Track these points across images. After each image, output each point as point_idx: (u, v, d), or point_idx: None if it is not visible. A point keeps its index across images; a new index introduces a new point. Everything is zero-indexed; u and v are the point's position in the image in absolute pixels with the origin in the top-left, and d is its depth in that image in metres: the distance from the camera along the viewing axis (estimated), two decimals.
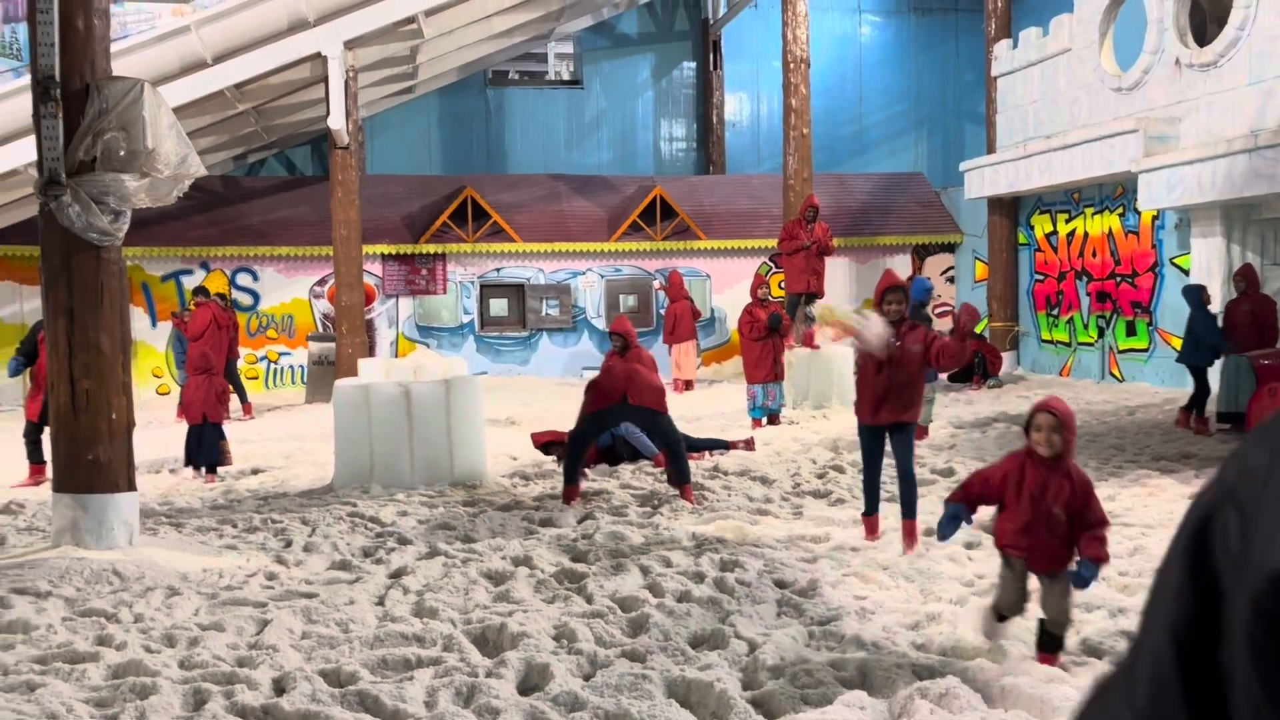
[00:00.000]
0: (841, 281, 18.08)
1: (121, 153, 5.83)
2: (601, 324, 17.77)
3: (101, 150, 5.78)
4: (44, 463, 8.76)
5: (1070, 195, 15.61)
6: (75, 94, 5.80)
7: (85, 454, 5.90)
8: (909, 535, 5.84)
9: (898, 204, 19.18)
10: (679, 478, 7.52)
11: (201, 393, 9.11)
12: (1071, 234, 15.76)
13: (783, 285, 13.70)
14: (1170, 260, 13.81)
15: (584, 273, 18.07)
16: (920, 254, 18.81)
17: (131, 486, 6.13)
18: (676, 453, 7.54)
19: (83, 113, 5.79)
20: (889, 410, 5.76)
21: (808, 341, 12.67)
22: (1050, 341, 16.46)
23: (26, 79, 13.40)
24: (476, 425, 8.66)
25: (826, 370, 12.47)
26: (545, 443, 9.40)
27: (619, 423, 8.11)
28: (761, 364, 11.20)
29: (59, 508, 5.97)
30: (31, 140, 12.57)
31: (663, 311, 16.94)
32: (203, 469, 9.17)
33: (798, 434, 10.68)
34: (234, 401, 13.32)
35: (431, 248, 17.51)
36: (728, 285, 17.97)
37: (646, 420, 7.69)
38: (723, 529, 6.47)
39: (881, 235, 18.57)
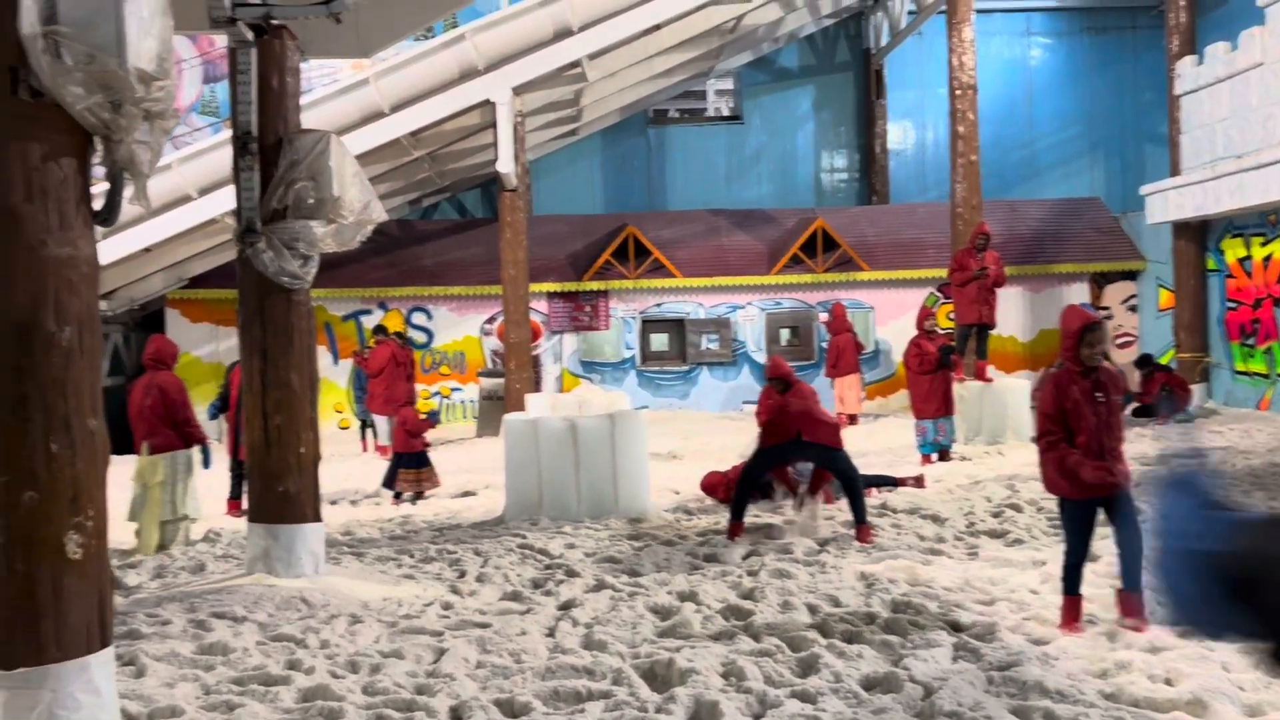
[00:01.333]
0: (1015, 312, 17.46)
1: (310, 201, 6.18)
2: (762, 358, 17.67)
3: (293, 199, 6.14)
4: (241, 498, 9.34)
5: (1265, 217, 14.63)
6: (270, 147, 6.20)
7: (276, 486, 6.24)
8: (1131, 610, 4.90)
9: (1074, 230, 18.42)
10: (855, 516, 7.35)
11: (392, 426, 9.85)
12: (1268, 258, 14.75)
13: (952, 316, 13.32)
14: None
15: (744, 306, 18.05)
16: (1099, 282, 17.98)
17: (317, 517, 6.44)
18: (854, 490, 7.37)
19: (276, 164, 6.18)
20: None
21: (979, 374, 12.26)
22: (1245, 373, 15.41)
23: (224, 134, 14.45)
24: (640, 459, 8.72)
25: (1000, 404, 12.04)
26: (713, 493, 9.19)
27: (793, 459, 8.01)
28: (931, 398, 10.89)
29: (253, 536, 6.32)
30: (227, 191, 13.52)
31: (825, 345, 16.73)
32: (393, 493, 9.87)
33: (971, 470, 10.32)
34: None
35: (595, 285, 17.85)
36: (892, 317, 17.60)
37: (822, 457, 7.55)
38: (893, 569, 6.29)
39: (1057, 263, 17.86)
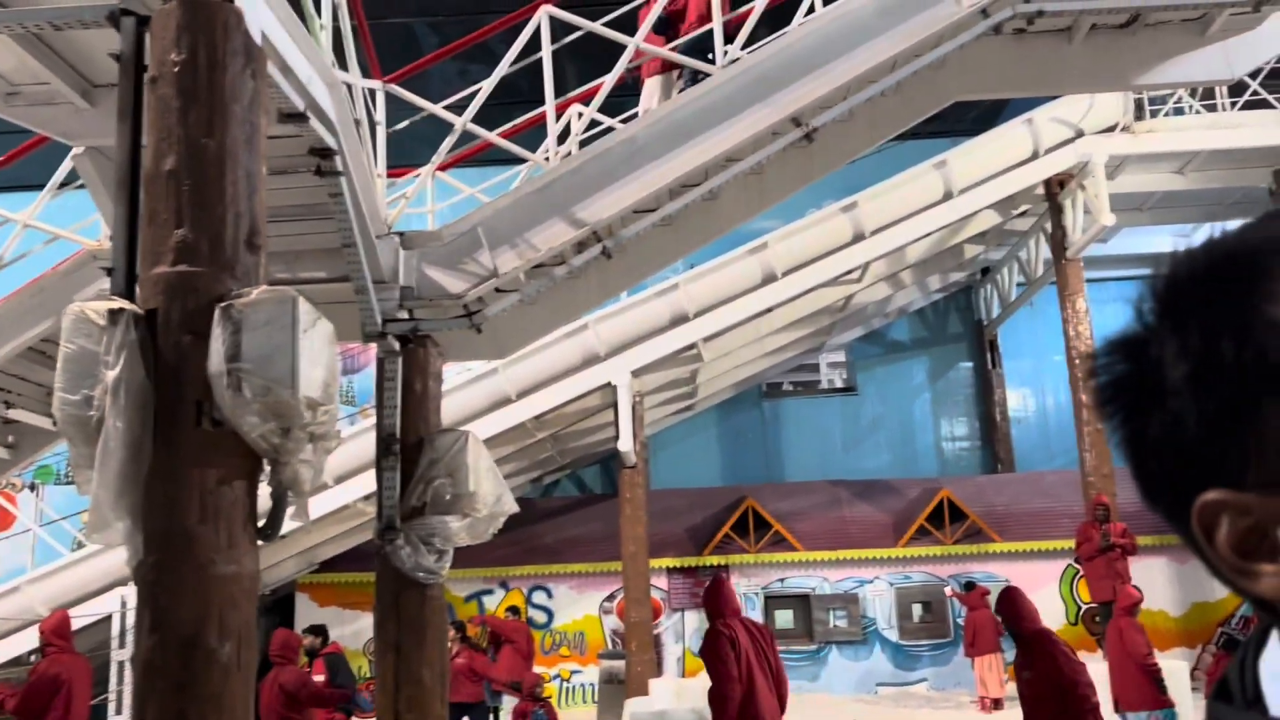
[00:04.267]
0: (1162, 584, 16.49)
1: (447, 497, 6.41)
2: (894, 635, 16.93)
3: (431, 496, 6.38)
4: None
5: None
6: (411, 446, 6.52)
7: None
8: None
9: None
10: None
11: None
12: None
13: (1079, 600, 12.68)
14: None
15: (872, 581, 17.50)
16: None
17: None
18: None
19: (416, 463, 6.47)
20: None
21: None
22: None
23: (360, 425, 15.23)
24: None
25: None
26: None
27: None
28: (1142, 681, 9.53)
29: None
30: (361, 478, 14.07)
31: (960, 621, 15.98)
32: None
33: None
34: None
35: (715, 559, 17.63)
36: (1030, 590, 16.62)
37: None
38: None
39: None
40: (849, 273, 15.73)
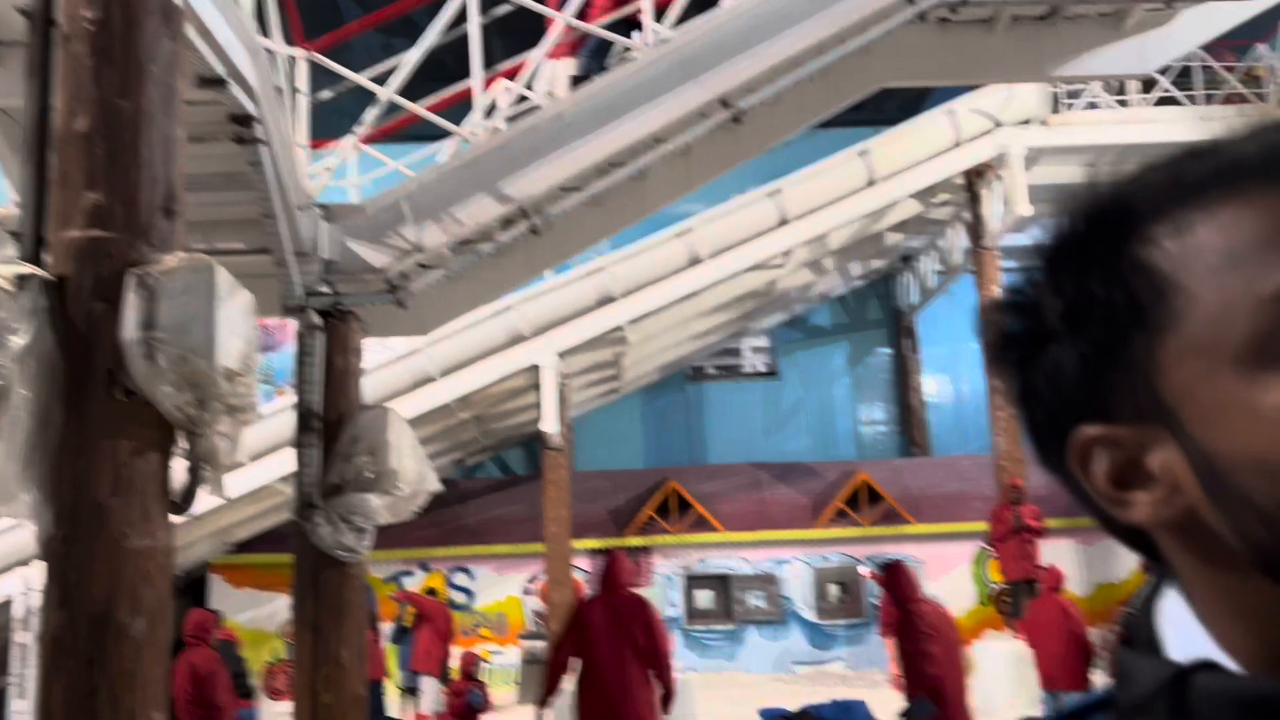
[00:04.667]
0: (1068, 566, 16.95)
1: (368, 474, 6.32)
2: (812, 615, 17.21)
3: (352, 473, 6.29)
4: None
5: None
6: (332, 423, 6.41)
7: None
8: None
9: None
10: None
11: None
12: None
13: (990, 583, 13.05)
14: None
15: (790, 561, 17.75)
16: None
17: None
18: None
19: (337, 440, 6.37)
20: None
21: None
22: None
23: (277, 403, 14.92)
24: None
25: None
26: None
27: None
28: (1067, 660, 9.12)
29: None
30: (278, 457, 13.81)
31: (876, 602, 16.30)
32: None
33: None
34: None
35: (637, 540, 17.71)
36: (943, 571, 17.20)
37: None
38: None
39: None
40: (773, 258, 15.87)
